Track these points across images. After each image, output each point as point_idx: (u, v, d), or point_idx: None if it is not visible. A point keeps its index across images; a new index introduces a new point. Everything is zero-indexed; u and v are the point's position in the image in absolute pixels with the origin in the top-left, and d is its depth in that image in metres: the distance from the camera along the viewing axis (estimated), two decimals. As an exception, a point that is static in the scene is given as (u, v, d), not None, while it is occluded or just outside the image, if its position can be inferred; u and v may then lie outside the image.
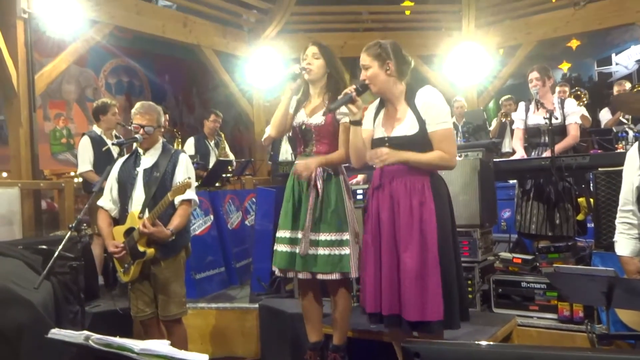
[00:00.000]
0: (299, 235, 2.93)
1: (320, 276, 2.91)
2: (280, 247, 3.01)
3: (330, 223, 2.91)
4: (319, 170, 2.94)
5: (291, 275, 3.06)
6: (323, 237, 2.91)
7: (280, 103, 3.06)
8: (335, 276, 2.90)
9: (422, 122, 2.56)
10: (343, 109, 2.97)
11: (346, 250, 2.90)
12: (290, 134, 3.18)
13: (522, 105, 4.64)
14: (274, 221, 4.09)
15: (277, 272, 3.11)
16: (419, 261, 2.47)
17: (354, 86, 2.65)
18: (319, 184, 2.92)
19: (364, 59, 2.65)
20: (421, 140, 2.55)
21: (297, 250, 2.93)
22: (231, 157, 6.61)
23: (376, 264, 2.59)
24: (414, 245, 2.49)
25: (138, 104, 3.29)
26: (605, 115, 7.21)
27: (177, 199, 3.12)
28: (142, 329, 3.39)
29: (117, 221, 3.31)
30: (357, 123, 2.68)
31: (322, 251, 2.89)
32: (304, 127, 3.02)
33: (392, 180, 2.59)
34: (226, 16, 7.90)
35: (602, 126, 6.95)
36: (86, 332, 1.53)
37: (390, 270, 2.54)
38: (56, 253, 2.79)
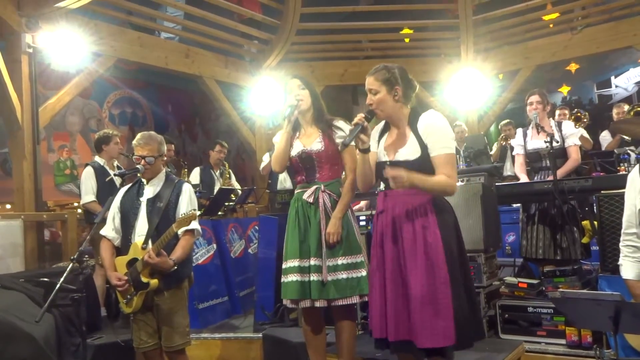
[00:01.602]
0: (312, 263, 2.92)
1: (340, 302, 2.90)
2: (290, 278, 2.97)
3: (345, 247, 2.95)
4: (327, 197, 2.97)
5: (305, 305, 2.98)
6: (340, 261, 2.93)
7: (281, 139, 3.09)
8: (354, 300, 2.93)
9: (424, 147, 2.50)
10: (341, 133, 3.02)
11: (363, 272, 2.94)
12: (289, 164, 3.19)
13: (520, 131, 4.66)
14: (277, 249, 4.07)
15: (288, 304, 3.06)
16: (426, 286, 2.40)
17: (363, 114, 2.53)
18: (330, 210, 2.96)
19: (372, 82, 2.55)
20: (422, 165, 2.47)
21: (311, 279, 2.91)
22: (236, 186, 6.63)
23: (381, 290, 2.53)
24: (420, 270, 2.42)
25: (138, 136, 3.32)
26: (605, 138, 7.21)
27: (181, 230, 3.12)
28: (144, 361, 3.36)
29: (119, 251, 3.29)
30: (366, 151, 2.59)
31: (340, 275, 2.90)
32: (304, 155, 3.05)
33: (394, 205, 2.53)
34: (228, 47, 8.02)
35: (603, 148, 6.94)
36: (87, 366, 1.52)
37: (395, 296, 2.47)
38: (58, 285, 2.78)
